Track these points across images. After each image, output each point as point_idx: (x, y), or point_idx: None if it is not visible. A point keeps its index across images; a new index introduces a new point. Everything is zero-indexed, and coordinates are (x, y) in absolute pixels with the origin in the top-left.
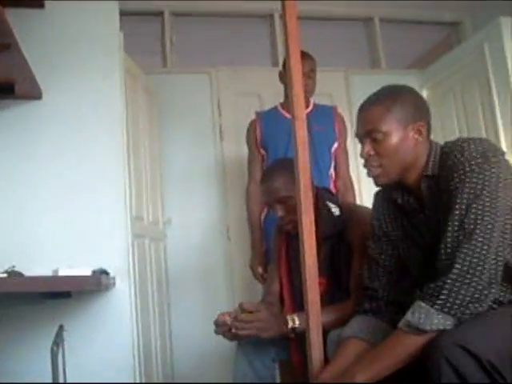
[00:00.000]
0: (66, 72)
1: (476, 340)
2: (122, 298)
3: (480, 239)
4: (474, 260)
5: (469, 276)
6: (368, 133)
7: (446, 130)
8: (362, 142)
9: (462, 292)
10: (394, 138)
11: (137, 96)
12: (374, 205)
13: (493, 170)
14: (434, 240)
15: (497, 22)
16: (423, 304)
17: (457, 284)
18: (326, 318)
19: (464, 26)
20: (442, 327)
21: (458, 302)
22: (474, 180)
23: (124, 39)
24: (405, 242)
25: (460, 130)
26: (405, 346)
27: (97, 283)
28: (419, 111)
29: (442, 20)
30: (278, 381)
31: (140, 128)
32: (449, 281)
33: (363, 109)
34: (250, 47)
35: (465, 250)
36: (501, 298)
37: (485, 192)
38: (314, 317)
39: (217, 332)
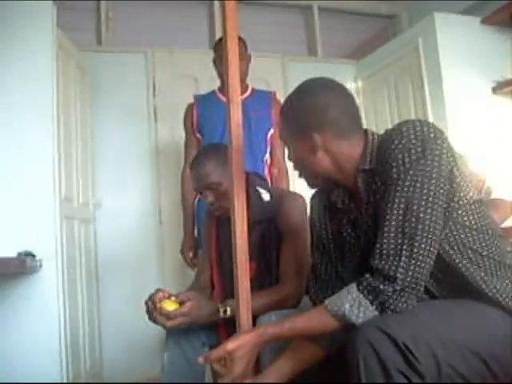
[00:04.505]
0: None
1: (394, 325)
2: (48, 281)
3: (422, 245)
4: (417, 270)
5: (410, 288)
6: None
7: (378, 121)
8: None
9: (401, 303)
10: (297, 154)
11: (69, 73)
12: (311, 210)
13: (435, 162)
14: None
15: (431, 18)
16: (363, 300)
17: (399, 296)
18: (255, 303)
19: (400, 20)
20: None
21: (395, 308)
22: (413, 176)
23: (58, 13)
24: (344, 245)
25: (392, 122)
26: (326, 328)
27: (21, 265)
28: (312, 122)
29: (379, 12)
30: (208, 365)
31: (71, 106)
32: (390, 290)
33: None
34: (188, 29)
35: (406, 259)
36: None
37: (424, 191)
38: (244, 302)
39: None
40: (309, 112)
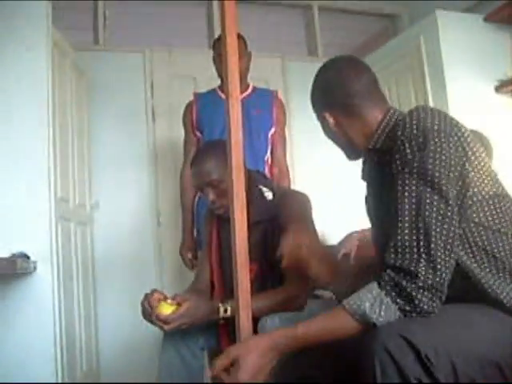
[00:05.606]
0: None
1: (417, 332)
2: (43, 284)
3: (439, 241)
4: (439, 267)
5: (434, 288)
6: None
7: None
8: None
9: (426, 304)
10: (323, 130)
11: (65, 72)
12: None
13: (442, 156)
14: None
15: (433, 15)
16: (385, 298)
17: (423, 295)
18: (257, 304)
19: (401, 19)
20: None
21: (421, 310)
22: (419, 168)
23: (54, 13)
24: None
25: None
26: (345, 330)
27: (11, 266)
28: (323, 102)
29: (379, 12)
30: (207, 369)
31: (67, 106)
32: (413, 286)
33: None
34: (186, 29)
35: (425, 256)
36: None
37: (435, 185)
38: (244, 303)
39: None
40: (319, 93)
